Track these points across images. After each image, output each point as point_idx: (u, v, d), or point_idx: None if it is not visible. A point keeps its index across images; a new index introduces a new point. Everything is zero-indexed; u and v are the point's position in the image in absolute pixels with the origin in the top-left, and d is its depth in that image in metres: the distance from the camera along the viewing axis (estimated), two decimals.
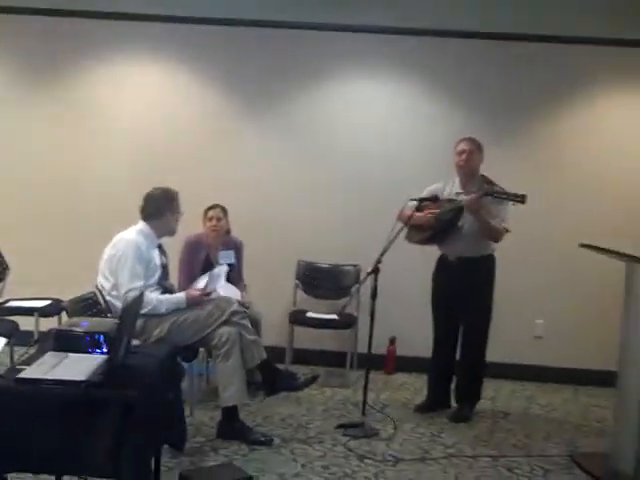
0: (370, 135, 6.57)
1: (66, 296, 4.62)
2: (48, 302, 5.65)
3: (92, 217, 6.41)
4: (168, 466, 4.23)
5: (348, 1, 6.37)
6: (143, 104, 6.60)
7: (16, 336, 5.09)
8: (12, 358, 5.25)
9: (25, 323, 5.48)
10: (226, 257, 5.76)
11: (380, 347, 6.28)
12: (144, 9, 6.43)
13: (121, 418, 2.92)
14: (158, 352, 3.60)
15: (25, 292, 5.80)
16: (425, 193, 5.33)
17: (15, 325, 5.25)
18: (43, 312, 5.48)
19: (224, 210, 5.84)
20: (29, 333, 5.40)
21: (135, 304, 3.38)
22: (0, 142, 6.58)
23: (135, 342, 3.59)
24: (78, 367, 3.09)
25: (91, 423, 2.92)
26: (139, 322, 4.58)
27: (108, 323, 3.43)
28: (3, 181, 6.55)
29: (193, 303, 4.79)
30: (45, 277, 6.19)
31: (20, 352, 5.52)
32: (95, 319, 3.68)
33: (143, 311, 4.58)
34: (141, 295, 3.64)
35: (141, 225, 4.77)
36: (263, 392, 5.16)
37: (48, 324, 4.74)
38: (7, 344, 4.52)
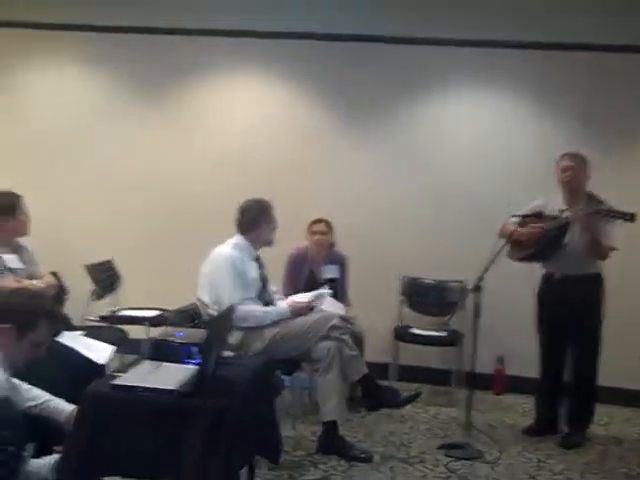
0: (476, 150, 6.46)
1: (174, 307, 4.75)
2: (157, 312, 5.81)
3: (199, 230, 6.54)
4: (267, 478, 4.25)
5: (447, 15, 6.28)
6: (247, 121, 6.71)
7: (125, 344, 5.25)
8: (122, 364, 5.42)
9: (136, 331, 5.65)
10: (330, 271, 5.76)
11: (488, 366, 6.13)
12: (251, 26, 6.53)
13: (210, 427, 2.95)
14: (251, 363, 3.63)
15: (136, 302, 5.98)
16: (527, 209, 5.18)
17: (124, 334, 5.42)
18: (152, 322, 5.64)
19: (328, 224, 5.86)
20: (138, 341, 5.56)
21: (225, 316, 3.42)
22: (114, 156, 6.81)
23: (228, 353, 3.63)
24: (171, 376, 3.15)
25: (181, 431, 2.96)
26: (239, 335, 4.64)
27: (203, 334, 3.48)
28: (117, 197, 6.78)
29: (297, 314, 4.81)
30: (155, 288, 6.37)
31: (130, 360, 5.73)
32: (191, 330, 3.74)
33: (246, 324, 4.64)
34: (231, 307, 3.68)
35: (237, 238, 4.83)
36: (364, 408, 5.12)
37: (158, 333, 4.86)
38: (116, 352, 4.66)
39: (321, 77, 6.59)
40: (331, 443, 4.73)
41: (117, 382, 3.10)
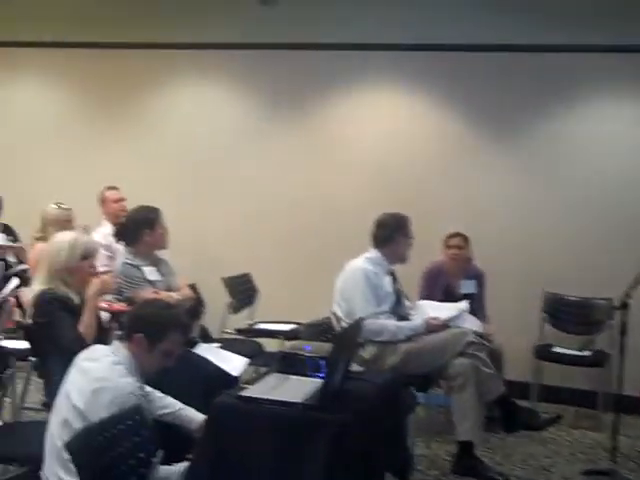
0: (619, 162, 6.16)
1: (308, 320, 4.76)
2: (293, 326, 5.84)
3: (336, 244, 6.54)
4: None
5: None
6: (383, 134, 6.67)
7: (260, 357, 5.30)
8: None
9: (272, 344, 5.70)
10: (467, 286, 5.62)
11: (637, 388, 5.77)
12: (386, 38, 6.50)
13: (334, 441, 2.91)
14: (379, 379, 3.56)
15: (273, 315, 6.04)
16: None
17: (260, 347, 5.47)
18: (287, 335, 5.66)
19: (465, 239, 5.72)
20: (273, 355, 5.59)
21: (353, 329, 3.37)
22: (255, 171, 6.92)
23: (357, 368, 3.58)
24: (297, 389, 3.13)
25: (305, 444, 2.93)
26: (373, 349, 4.59)
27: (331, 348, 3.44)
28: (256, 212, 6.89)
29: (432, 331, 4.71)
30: (292, 301, 6.42)
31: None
32: (319, 343, 3.73)
33: (380, 338, 4.59)
34: (359, 320, 3.63)
35: (372, 252, 4.78)
36: (502, 429, 4.94)
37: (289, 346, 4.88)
38: (251, 364, 4.71)
39: (456, 87, 6.47)
40: (467, 464, 4.59)
41: (243, 394, 3.11)
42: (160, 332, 3.21)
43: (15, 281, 5.12)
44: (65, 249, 3.96)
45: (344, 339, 3.24)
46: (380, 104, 6.70)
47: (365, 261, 4.75)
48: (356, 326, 3.51)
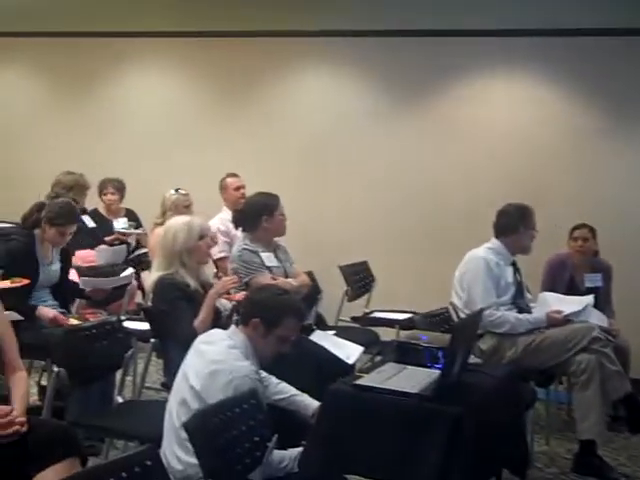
0: None
1: (426, 310, 4.69)
2: (408, 315, 5.76)
3: (455, 233, 6.42)
4: None
5: None
6: (505, 124, 6.53)
7: (375, 346, 5.26)
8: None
9: (387, 333, 5.65)
10: (592, 280, 5.39)
11: None
12: (509, 24, 6.32)
13: (450, 434, 2.84)
14: (497, 372, 3.46)
15: (389, 304, 5.98)
16: None
17: (375, 335, 5.43)
18: (402, 325, 5.59)
19: (592, 230, 5.48)
20: (388, 344, 5.54)
21: (473, 320, 3.27)
22: (374, 161, 6.88)
23: (475, 360, 3.49)
24: (413, 379, 3.08)
25: (421, 435, 2.88)
26: (492, 341, 4.47)
27: (448, 339, 3.36)
28: (374, 200, 6.85)
29: (553, 325, 4.55)
30: (408, 290, 6.35)
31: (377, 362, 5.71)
32: (437, 334, 3.65)
33: (500, 330, 4.47)
34: (479, 311, 3.53)
35: (494, 242, 4.66)
36: (627, 428, 4.73)
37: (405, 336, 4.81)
38: (366, 353, 4.67)
39: (583, 75, 6.24)
40: (588, 463, 4.42)
41: (359, 382, 3.08)
42: (276, 317, 3.22)
43: (129, 270, 5.27)
44: (183, 230, 4.05)
45: (463, 330, 3.15)
46: (493, 92, 6.56)
47: (486, 251, 4.62)
48: (476, 317, 3.41)
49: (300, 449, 3.12)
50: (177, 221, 4.17)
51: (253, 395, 2.97)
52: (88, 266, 5.52)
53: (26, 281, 4.30)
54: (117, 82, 7.66)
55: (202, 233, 4.13)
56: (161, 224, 5.71)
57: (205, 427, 2.69)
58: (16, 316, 4.05)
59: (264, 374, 3.38)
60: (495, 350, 4.46)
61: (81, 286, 4.91)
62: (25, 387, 3.09)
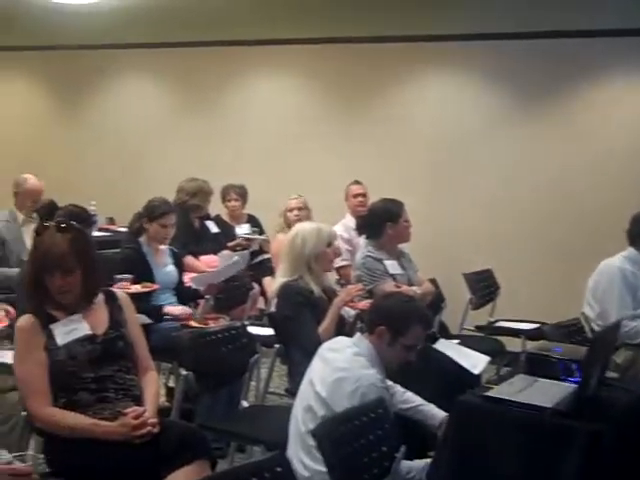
0: None
1: (554, 321, 4.52)
2: (535, 325, 5.58)
3: (582, 240, 6.19)
4: None
5: None
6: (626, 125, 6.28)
7: (500, 356, 5.12)
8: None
9: (512, 343, 5.49)
10: None
11: None
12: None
13: (588, 451, 2.70)
14: (637, 387, 3.28)
15: (514, 313, 5.82)
16: None
17: (501, 345, 5.28)
18: (529, 335, 5.42)
19: None
20: (514, 354, 5.38)
21: (610, 332, 3.12)
22: (498, 167, 6.73)
23: (612, 374, 3.32)
24: (546, 393, 2.96)
25: (554, 452, 2.75)
26: (628, 354, 4.28)
27: (583, 351, 3.22)
28: (499, 207, 6.69)
29: None
30: (535, 300, 6.16)
31: (505, 372, 5.55)
32: (570, 346, 3.50)
33: (636, 342, 4.28)
34: (617, 323, 3.36)
35: (629, 250, 4.45)
36: None
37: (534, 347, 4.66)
38: (491, 363, 4.54)
39: None
40: None
41: (489, 394, 2.98)
42: (402, 325, 3.17)
43: (235, 257, 5.26)
44: (312, 236, 4.05)
45: (601, 342, 3.01)
46: (627, 93, 6.31)
47: (622, 260, 4.42)
48: (614, 329, 3.25)
49: (427, 460, 3.06)
50: (306, 226, 4.17)
51: (380, 404, 2.93)
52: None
53: (156, 286, 4.41)
54: (240, 89, 7.77)
55: (330, 240, 4.12)
56: (281, 230, 5.78)
57: (333, 435, 2.67)
58: (145, 319, 4.16)
59: (389, 383, 3.33)
60: (631, 363, 4.26)
61: (193, 286, 4.98)
62: (156, 387, 3.14)
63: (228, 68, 7.74)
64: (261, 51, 7.55)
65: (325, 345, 3.35)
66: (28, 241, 5.13)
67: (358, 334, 3.29)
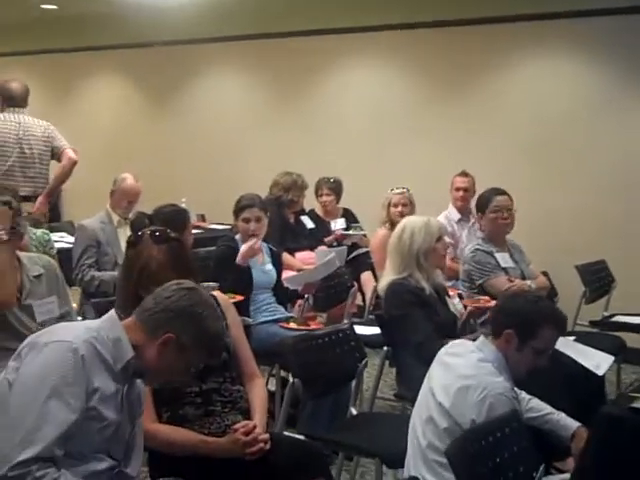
0: None
1: None
2: None
3: None
4: None
5: None
6: None
7: (622, 354, 4.76)
8: (619, 377, 4.92)
9: (632, 340, 5.12)
10: None
11: None
12: None
13: None
14: None
15: (632, 307, 5.43)
16: None
17: (621, 342, 4.91)
18: None
19: None
20: (636, 351, 5.02)
21: None
22: (606, 156, 6.30)
23: None
24: None
25: None
26: None
27: None
28: (609, 195, 6.27)
29: None
30: None
31: (627, 371, 5.21)
32: None
33: None
34: None
35: None
36: None
37: None
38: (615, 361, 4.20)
39: None
40: None
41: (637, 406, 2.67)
42: (532, 328, 2.88)
43: (332, 254, 5.04)
44: (421, 231, 3.81)
45: None
46: None
47: None
48: None
49: (563, 476, 2.77)
50: (414, 220, 3.93)
51: (515, 416, 2.65)
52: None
53: (240, 297, 4.18)
54: (334, 79, 7.56)
55: (440, 234, 3.87)
56: (384, 225, 5.54)
57: (466, 453, 2.42)
58: (246, 320, 3.98)
59: (517, 390, 3.04)
60: None
61: (290, 286, 4.78)
62: (263, 397, 2.95)
63: (321, 58, 7.52)
64: (355, 39, 7.31)
65: (444, 349, 3.08)
66: (123, 243, 5.03)
67: (482, 337, 3.01)
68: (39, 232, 4.52)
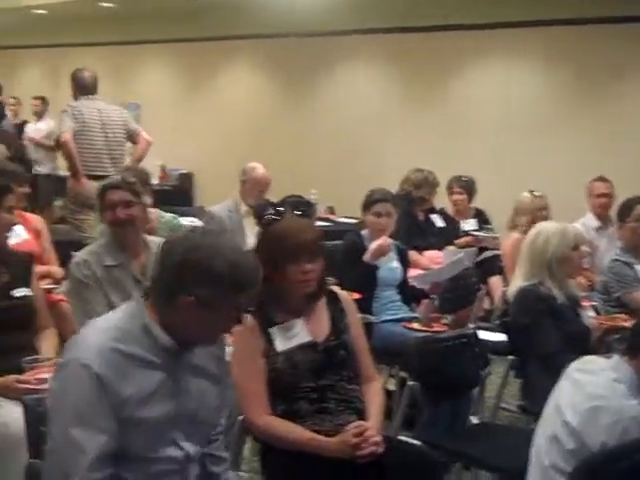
0: None
1: None
2: None
3: None
4: None
5: None
6: None
7: None
8: None
9: None
10: None
11: None
12: None
13: None
14: None
15: None
16: None
17: None
18: None
19: None
20: None
21: None
22: None
23: None
24: None
25: None
26: None
27: None
28: None
29: None
30: None
31: None
32: None
33: None
34: None
35: None
36: None
37: None
38: None
39: None
40: None
41: None
42: None
43: (459, 255, 4.87)
44: (555, 237, 3.64)
45: None
46: None
47: None
48: None
49: None
50: (549, 226, 3.76)
51: None
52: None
53: (357, 295, 4.07)
54: (466, 77, 7.39)
55: (576, 242, 3.67)
56: (514, 228, 5.34)
57: (595, 477, 2.24)
58: (367, 317, 3.91)
59: None
60: None
61: (417, 285, 4.65)
62: (380, 400, 2.86)
63: (457, 55, 7.41)
64: (490, 35, 7.12)
65: (575, 364, 2.89)
66: (249, 233, 5.04)
67: (616, 356, 2.80)
68: (168, 216, 4.59)
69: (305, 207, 3.43)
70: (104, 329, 2.10)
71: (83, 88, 6.02)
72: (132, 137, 6.05)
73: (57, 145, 6.15)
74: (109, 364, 2.02)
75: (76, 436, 1.98)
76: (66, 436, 1.99)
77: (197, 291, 2.03)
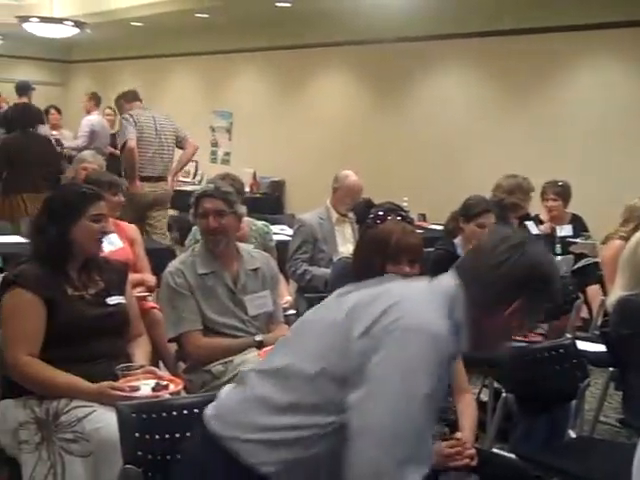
0: None
1: None
2: None
3: None
4: None
5: None
6: None
7: None
8: None
9: None
10: None
11: None
12: None
13: None
14: None
15: None
16: None
17: None
18: None
19: None
20: None
21: None
22: None
23: None
24: None
25: None
26: None
27: None
28: None
29: None
30: None
31: None
32: None
33: None
34: None
35: None
36: None
37: None
38: None
39: None
40: None
41: None
42: None
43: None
44: None
45: None
46: None
47: None
48: None
49: None
50: None
51: None
52: None
53: None
54: (559, 79, 7.18)
55: None
56: (621, 236, 5.10)
57: None
58: None
59: None
60: None
61: None
62: (473, 413, 2.84)
63: (548, 58, 7.19)
64: (584, 37, 6.91)
65: None
66: (340, 241, 5.02)
67: None
68: (260, 224, 4.61)
69: (404, 213, 3.35)
70: (437, 308, 1.95)
71: (134, 97, 6.86)
72: (181, 143, 6.68)
73: (122, 150, 6.61)
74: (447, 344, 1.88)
75: (426, 422, 1.81)
76: (417, 420, 1.79)
77: (534, 297, 1.98)
